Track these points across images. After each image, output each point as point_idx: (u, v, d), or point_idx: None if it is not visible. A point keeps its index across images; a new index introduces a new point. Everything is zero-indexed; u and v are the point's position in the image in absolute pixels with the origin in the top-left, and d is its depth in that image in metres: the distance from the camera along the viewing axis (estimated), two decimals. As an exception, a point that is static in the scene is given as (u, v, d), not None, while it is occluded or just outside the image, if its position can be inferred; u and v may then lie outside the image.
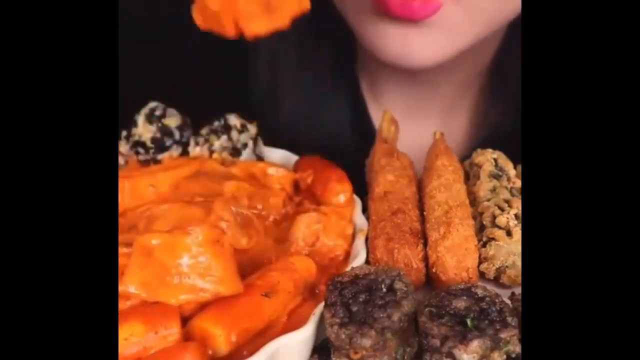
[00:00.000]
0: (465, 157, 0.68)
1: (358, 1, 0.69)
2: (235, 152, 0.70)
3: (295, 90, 0.87)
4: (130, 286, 0.49)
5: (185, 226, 0.50)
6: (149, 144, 0.68)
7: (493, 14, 0.69)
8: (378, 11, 0.67)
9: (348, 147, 0.84)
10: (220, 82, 0.89)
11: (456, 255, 0.55)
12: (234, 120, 0.71)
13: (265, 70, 0.88)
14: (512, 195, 0.61)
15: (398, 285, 0.48)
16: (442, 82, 0.83)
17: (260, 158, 0.72)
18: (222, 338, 0.47)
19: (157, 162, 0.69)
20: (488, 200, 0.60)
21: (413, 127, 0.78)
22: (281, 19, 0.49)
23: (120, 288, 0.49)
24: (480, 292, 0.49)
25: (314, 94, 0.87)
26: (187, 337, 0.48)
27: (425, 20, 0.65)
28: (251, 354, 0.47)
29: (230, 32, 0.49)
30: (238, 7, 0.48)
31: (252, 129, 0.72)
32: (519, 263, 0.56)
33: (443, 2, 0.65)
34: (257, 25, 0.49)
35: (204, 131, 0.71)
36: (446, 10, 0.65)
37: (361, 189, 0.67)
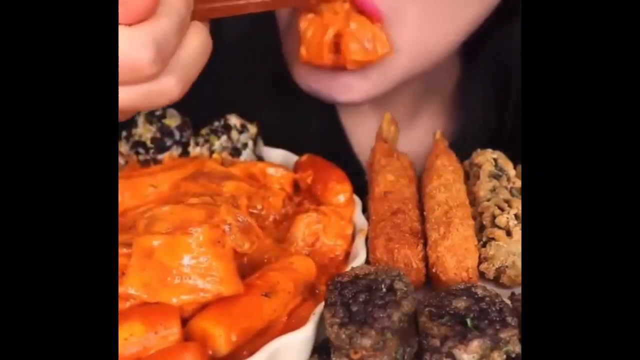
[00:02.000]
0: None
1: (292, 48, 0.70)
2: (235, 152, 0.70)
3: (266, 104, 0.87)
4: (131, 288, 0.49)
5: (186, 227, 0.50)
6: (149, 144, 0.68)
7: (426, 48, 0.69)
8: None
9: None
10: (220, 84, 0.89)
11: (456, 255, 0.55)
12: (234, 120, 0.71)
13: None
14: (512, 195, 0.61)
15: (398, 285, 0.48)
16: (398, 94, 0.83)
17: (260, 158, 0.72)
18: (222, 338, 0.47)
19: (157, 162, 0.69)
20: (488, 200, 0.60)
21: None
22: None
23: (121, 290, 0.49)
24: (480, 292, 0.49)
25: (286, 105, 0.87)
26: (187, 337, 0.48)
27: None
28: (251, 354, 0.47)
29: (328, 62, 0.66)
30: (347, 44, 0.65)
31: (252, 129, 0.72)
32: (518, 263, 0.56)
33: None
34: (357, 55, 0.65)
35: (204, 131, 0.71)
36: None
37: (360, 189, 0.67)
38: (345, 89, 0.69)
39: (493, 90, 0.87)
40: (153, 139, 0.68)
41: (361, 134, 0.87)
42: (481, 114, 0.88)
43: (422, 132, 0.87)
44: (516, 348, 0.45)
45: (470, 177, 0.65)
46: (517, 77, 0.82)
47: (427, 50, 0.70)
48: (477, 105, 0.88)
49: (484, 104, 0.88)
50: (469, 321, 0.46)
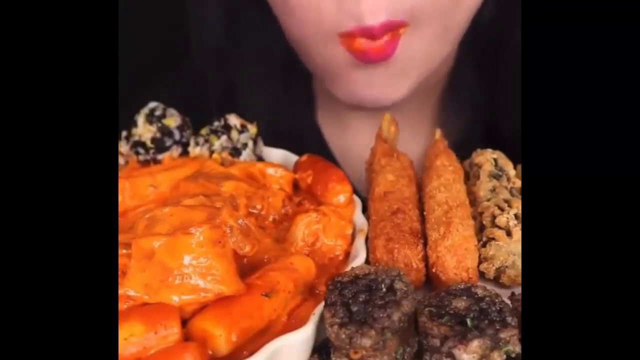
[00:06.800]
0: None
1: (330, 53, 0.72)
2: (235, 152, 0.70)
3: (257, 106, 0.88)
4: (131, 290, 0.49)
5: (186, 228, 0.50)
6: (149, 144, 0.68)
7: (450, 36, 0.74)
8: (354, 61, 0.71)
9: None
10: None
11: (456, 255, 0.55)
12: (234, 120, 0.71)
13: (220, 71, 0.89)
14: (512, 195, 0.61)
15: (398, 285, 0.48)
16: None
17: (260, 158, 0.72)
18: (222, 338, 0.47)
19: (157, 162, 0.69)
20: (488, 200, 0.60)
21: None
22: None
23: (121, 291, 0.48)
24: (480, 292, 0.49)
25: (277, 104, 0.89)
26: (187, 337, 0.48)
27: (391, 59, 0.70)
28: (251, 354, 0.47)
29: None
30: None
31: (252, 129, 0.72)
32: (518, 263, 0.56)
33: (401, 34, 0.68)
34: None
35: (204, 131, 0.71)
36: (405, 44, 0.69)
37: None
38: (385, 96, 0.74)
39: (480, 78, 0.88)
40: (153, 139, 0.68)
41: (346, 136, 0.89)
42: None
43: (426, 130, 0.88)
44: (516, 348, 0.45)
45: (470, 177, 0.65)
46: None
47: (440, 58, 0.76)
48: (467, 103, 0.89)
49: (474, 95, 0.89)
50: (469, 321, 0.46)
